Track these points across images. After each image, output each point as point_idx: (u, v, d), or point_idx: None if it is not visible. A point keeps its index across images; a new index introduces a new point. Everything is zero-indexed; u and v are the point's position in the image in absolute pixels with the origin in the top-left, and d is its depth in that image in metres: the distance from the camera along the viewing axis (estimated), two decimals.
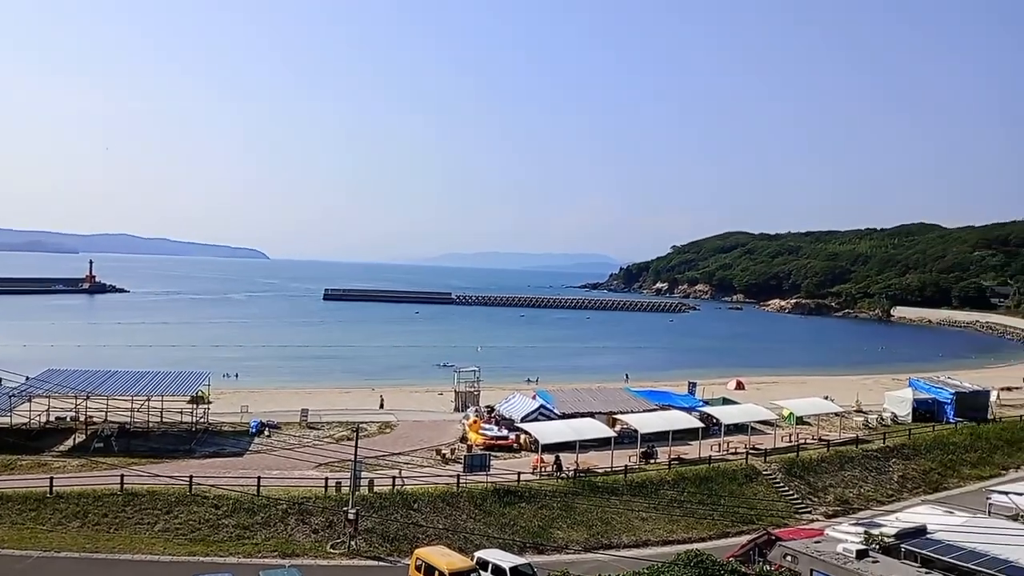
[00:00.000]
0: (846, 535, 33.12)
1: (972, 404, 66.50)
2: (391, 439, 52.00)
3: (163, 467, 41.56)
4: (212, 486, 37.48)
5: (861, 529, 34.12)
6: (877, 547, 30.06)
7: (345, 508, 35.81)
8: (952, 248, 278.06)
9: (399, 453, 47.23)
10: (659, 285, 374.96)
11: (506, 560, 30.57)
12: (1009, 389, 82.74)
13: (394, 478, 40.46)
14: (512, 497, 40.76)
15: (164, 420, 53.45)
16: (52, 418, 51.50)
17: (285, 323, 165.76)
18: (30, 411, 49.79)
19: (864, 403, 70.55)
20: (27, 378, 47.50)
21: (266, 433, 51.34)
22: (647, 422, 51.34)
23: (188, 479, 37.71)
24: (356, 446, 37.11)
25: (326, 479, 39.62)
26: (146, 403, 51.76)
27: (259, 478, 38.38)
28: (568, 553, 37.60)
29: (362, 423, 52.79)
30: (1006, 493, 41.56)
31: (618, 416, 54.57)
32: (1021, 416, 67.67)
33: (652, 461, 48.37)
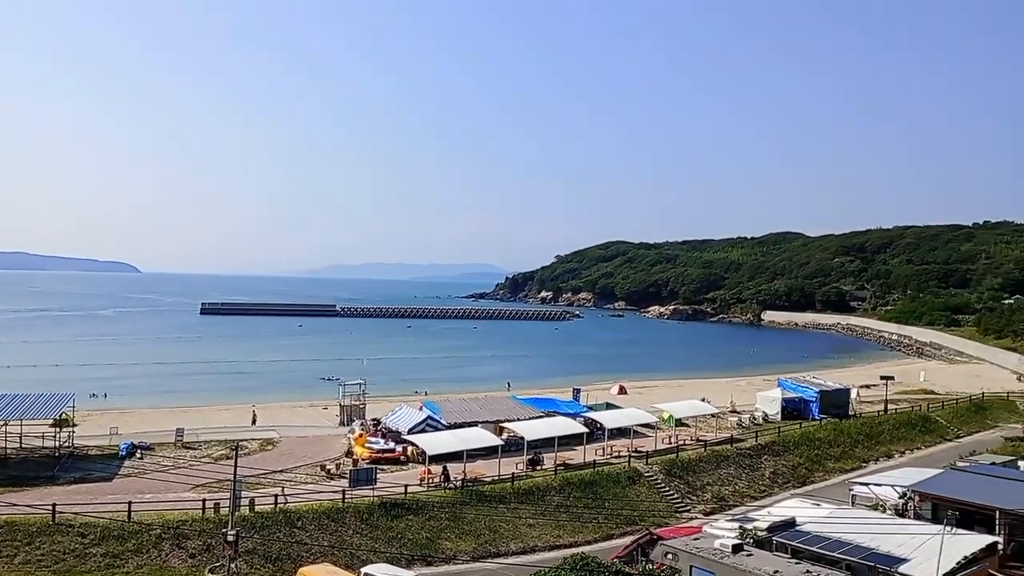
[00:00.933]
0: (723, 531, 34.47)
1: (835, 401, 70.65)
2: (273, 456, 50.51)
3: (23, 495, 38.78)
4: (77, 514, 35.30)
5: (736, 524, 35.60)
6: (751, 541, 31.47)
7: (224, 529, 34.45)
8: (815, 255, 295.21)
9: (282, 470, 45.90)
10: (544, 294, 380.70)
11: (393, 575, 30.24)
12: (867, 387, 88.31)
13: (276, 496, 39.30)
14: (399, 510, 40.37)
15: (24, 446, 49.90)
16: None
17: (158, 339, 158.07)
18: None
19: (738, 403, 73.71)
20: None
21: (138, 455, 48.79)
22: (533, 429, 51.96)
23: (51, 507, 35.38)
24: (236, 464, 35.78)
25: (204, 500, 38.06)
26: (2, 428, 48.28)
27: (130, 503, 36.43)
28: (457, 563, 37.57)
29: (242, 441, 51.07)
30: (866, 484, 44.31)
31: (505, 424, 54.97)
32: (878, 412, 72.41)
33: (539, 468, 48.94)
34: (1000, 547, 33.34)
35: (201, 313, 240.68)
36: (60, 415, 49.75)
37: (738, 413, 69.62)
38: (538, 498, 44.37)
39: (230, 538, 33.90)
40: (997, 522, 34.66)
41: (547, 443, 51.16)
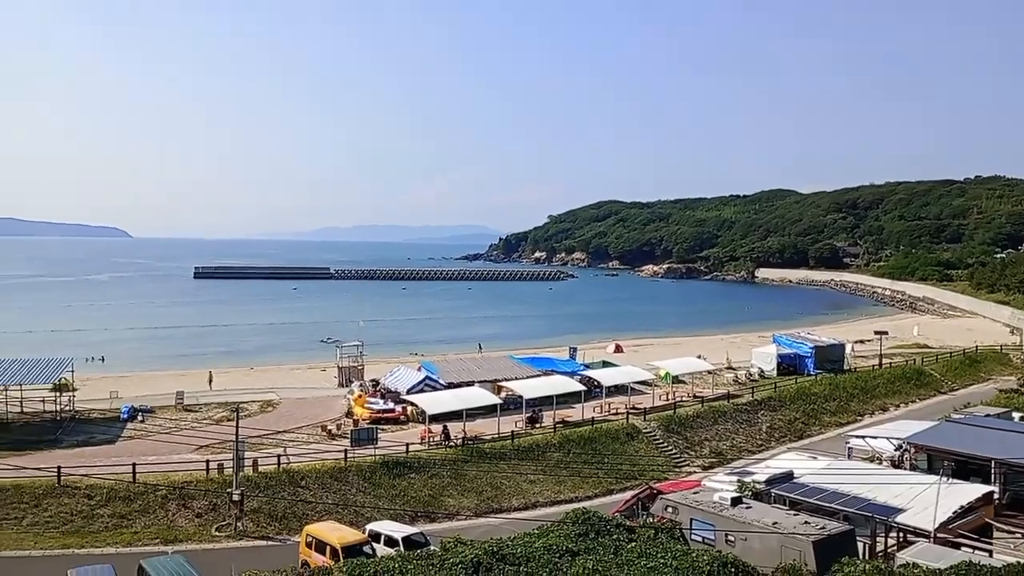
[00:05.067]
0: (721, 484, 35.05)
1: (829, 356, 71.08)
2: (274, 417, 50.85)
3: (27, 459, 38.95)
4: (83, 476, 35.60)
5: (735, 478, 36.21)
6: (749, 493, 32.02)
7: (229, 490, 34.86)
8: (807, 212, 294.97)
9: (283, 431, 46.24)
10: (538, 254, 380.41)
11: (398, 531, 30.64)
12: (862, 342, 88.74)
13: (279, 456, 39.65)
14: (401, 468, 40.78)
15: (25, 410, 50.09)
16: None
17: (153, 304, 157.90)
18: None
19: (734, 360, 74.16)
20: None
21: (139, 418, 49.10)
22: (531, 387, 52.25)
23: (56, 470, 35.69)
24: (237, 426, 36.07)
25: (207, 462, 38.40)
26: (2, 393, 48.42)
27: (134, 465, 36.74)
28: (459, 519, 38.04)
29: (242, 403, 51.30)
30: (862, 437, 45.00)
31: (503, 383, 55.29)
32: (872, 366, 73.03)
33: (538, 425, 49.39)
34: (996, 496, 34.00)
35: (195, 277, 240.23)
36: (60, 380, 49.86)
37: (734, 369, 70.10)
38: (538, 455, 44.86)
39: (235, 498, 34.35)
40: (992, 472, 35.28)
41: (545, 401, 51.52)
